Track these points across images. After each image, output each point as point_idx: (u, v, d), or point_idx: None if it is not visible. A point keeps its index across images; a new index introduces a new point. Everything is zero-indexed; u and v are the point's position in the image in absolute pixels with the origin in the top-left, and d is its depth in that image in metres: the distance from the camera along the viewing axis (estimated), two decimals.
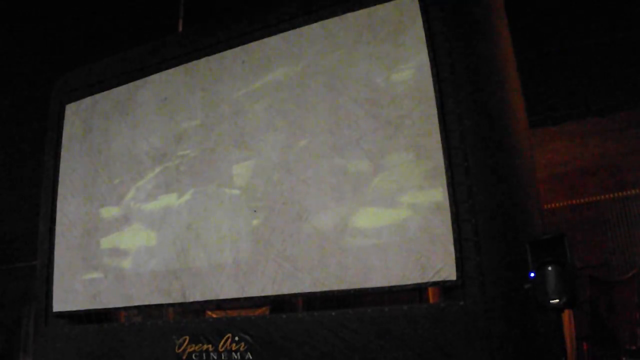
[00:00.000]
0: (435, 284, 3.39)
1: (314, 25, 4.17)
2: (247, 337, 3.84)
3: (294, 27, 4.26)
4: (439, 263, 3.33)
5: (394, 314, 3.41)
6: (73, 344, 4.65)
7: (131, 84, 5.04)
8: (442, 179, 3.42)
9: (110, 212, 4.83)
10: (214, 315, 5.25)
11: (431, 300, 4.34)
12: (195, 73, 4.66)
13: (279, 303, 4.97)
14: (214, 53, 4.61)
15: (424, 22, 3.70)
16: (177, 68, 4.78)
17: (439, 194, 3.42)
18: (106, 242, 4.78)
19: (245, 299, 3.99)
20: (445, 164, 3.43)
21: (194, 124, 4.57)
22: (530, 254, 2.85)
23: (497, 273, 3.22)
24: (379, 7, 3.91)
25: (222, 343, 3.92)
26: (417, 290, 4.21)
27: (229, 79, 4.48)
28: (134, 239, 4.64)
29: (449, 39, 3.63)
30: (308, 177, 3.90)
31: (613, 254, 5.61)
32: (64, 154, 5.27)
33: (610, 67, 6.06)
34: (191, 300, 4.21)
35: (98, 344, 4.51)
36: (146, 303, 4.45)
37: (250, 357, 3.80)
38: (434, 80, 3.58)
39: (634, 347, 4.42)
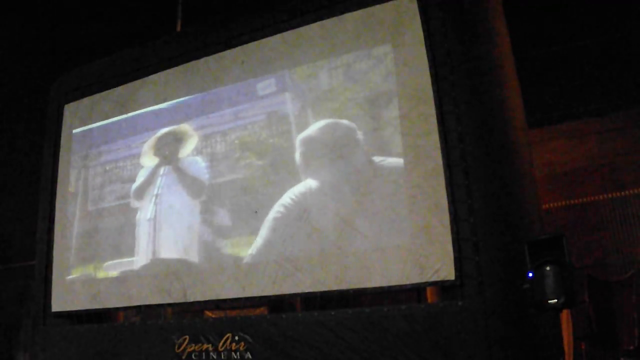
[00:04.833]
0: (433, 283, 3.40)
1: (313, 25, 4.18)
2: (247, 337, 3.85)
3: (292, 28, 4.26)
4: (437, 263, 3.34)
5: (393, 314, 3.42)
6: (72, 344, 4.66)
7: (130, 84, 5.04)
8: (441, 179, 3.42)
9: (109, 211, 4.84)
10: (213, 315, 5.25)
11: (430, 300, 4.35)
12: (194, 73, 4.67)
13: (277, 303, 4.97)
14: (213, 53, 4.62)
15: (422, 22, 3.71)
16: (177, 68, 4.79)
17: (437, 194, 3.42)
18: (106, 242, 4.78)
19: (246, 299, 4.00)
20: (443, 164, 3.44)
21: (194, 125, 4.57)
22: (528, 253, 2.85)
23: (496, 273, 3.23)
24: (378, 7, 3.92)
25: (221, 343, 3.93)
26: (416, 290, 4.21)
27: (228, 80, 4.48)
28: (134, 239, 4.64)
29: (447, 39, 3.64)
30: (308, 177, 3.91)
31: (611, 254, 5.61)
32: (62, 154, 5.27)
33: (610, 67, 6.06)
34: (192, 300, 4.21)
35: (97, 344, 4.51)
36: (147, 303, 4.45)
37: (250, 357, 3.81)
38: (432, 81, 3.58)
39: (632, 347, 4.42)
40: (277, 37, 4.31)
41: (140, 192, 4.73)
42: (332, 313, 3.63)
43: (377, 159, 3.70)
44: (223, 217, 4.23)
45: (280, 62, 4.25)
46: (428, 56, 3.63)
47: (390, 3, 3.86)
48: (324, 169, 3.86)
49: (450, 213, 3.35)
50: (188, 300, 4.23)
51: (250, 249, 4.03)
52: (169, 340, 4.16)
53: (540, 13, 6.01)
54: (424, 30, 3.68)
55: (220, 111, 4.46)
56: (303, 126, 4.06)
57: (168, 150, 4.67)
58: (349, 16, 4.01)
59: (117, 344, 4.42)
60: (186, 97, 4.68)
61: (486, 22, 3.75)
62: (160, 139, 4.77)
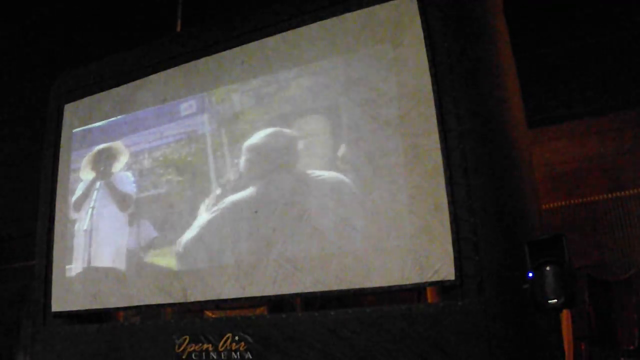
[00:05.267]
0: (433, 283, 3.39)
1: (313, 25, 4.17)
2: (247, 337, 3.85)
3: (292, 28, 4.26)
4: (437, 263, 3.33)
5: (393, 314, 3.41)
6: (72, 344, 4.65)
7: (130, 84, 5.04)
8: (441, 179, 3.42)
9: (110, 212, 4.84)
10: (213, 315, 5.25)
11: (430, 300, 4.35)
12: (194, 73, 4.67)
13: (277, 303, 4.98)
14: (213, 53, 4.61)
15: (422, 22, 3.70)
16: (176, 68, 4.79)
17: (437, 194, 3.42)
18: (106, 242, 4.79)
19: (246, 299, 4.00)
20: (443, 164, 3.43)
21: (194, 125, 4.58)
22: (528, 254, 2.85)
23: (496, 273, 3.23)
24: (378, 7, 3.91)
25: (221, 343, 3.93)
26: (416, 290, 4.22)
27: (228, 80, 4.48)
28: (134, 239, 4.65)
29: (447, 39, 3.63)
30: (308, 177, 3.91)
31: (611, 254, 5.61)
32: (62, 154, 5.27)
33: (609, 67, 6.06)
34: (192, 300, 4.22)
35: (97, 344, 4.51)
36: (147, 303, 4.46)
37: (250, 357, 3.81)
38: (432, 81, 3.58)
39: (632, 347, 4.42)
40: (277, 37, 4.31)
41: (78, 205, 5.03)
42: (332, 313, 3.63)
43: (377, 158, 3.69)
44: (147, 228, 4.55)
45: (281, 62, 4.25)
46: (428, 56, 3.62)
47: (390, 3, 3.85)
48: (268, 175, 4.01)
49: (450, 213, 3.34)
50: (188, 300, 4.23)
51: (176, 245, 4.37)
52: (169, 340, 4.16)
53: (540, 13, 6.01)
54: (424, 30, 3.68)
55: (147, 130, 4.79)
56: (217, 146, 4.36)
57: (103, 165, 5.00)
58: (350, 16, 4.00)
59: (117, 344, 4.42)
60: (121, 115, 5.01)
61: (486, 22, 3.75)
62: (96, 155, 5.08)
